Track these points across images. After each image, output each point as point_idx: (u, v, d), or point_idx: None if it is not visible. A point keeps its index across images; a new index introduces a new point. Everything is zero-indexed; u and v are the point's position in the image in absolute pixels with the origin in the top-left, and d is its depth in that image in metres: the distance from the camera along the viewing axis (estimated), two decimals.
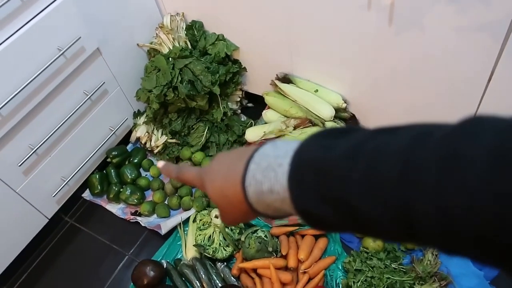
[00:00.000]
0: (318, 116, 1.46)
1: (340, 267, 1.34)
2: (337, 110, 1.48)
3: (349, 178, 0.30)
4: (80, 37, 1.31)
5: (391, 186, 0.28)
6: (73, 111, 1.41)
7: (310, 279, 1.33)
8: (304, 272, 1.33)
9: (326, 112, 1.45)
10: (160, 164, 0.48)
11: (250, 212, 0.38)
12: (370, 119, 1.47)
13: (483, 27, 1.00)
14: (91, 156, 1.55)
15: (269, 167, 0.34)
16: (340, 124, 1.49)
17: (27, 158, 1.31)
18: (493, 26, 0.99)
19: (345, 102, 1.48)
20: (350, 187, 0.30)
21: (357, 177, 0.30)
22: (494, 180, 0.24)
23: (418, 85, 1.24)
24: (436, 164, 0.26)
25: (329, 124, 1.45)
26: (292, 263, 1.33)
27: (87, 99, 1.45)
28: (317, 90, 1.50)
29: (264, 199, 0.35)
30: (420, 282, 1.23)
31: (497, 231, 0.24)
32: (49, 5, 1.23)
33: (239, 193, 0.36)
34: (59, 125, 1.38)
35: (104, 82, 1.49)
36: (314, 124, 1.45)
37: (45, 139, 1.35)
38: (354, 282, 1.26)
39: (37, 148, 1.33)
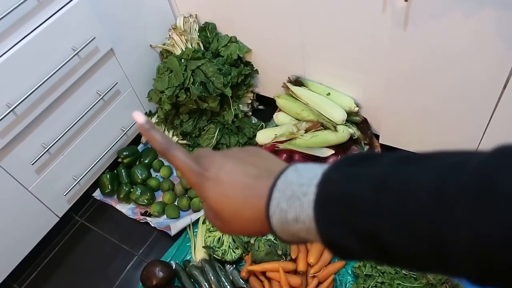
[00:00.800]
0: (330, 120, 1.45)
1: (350, 272, 1.33)
2: (349, 113, 1.47)
3: (377, 210, 0.30)
4: (94, 38, 1.32)
5: (423, 218, 0.28)
6: (86, 111, 1.42)
7: (319, 283, 1.31)
8: (314, 276, 1.32)
9: (338, 115, 1.44)
10: (140, 118, 0.38)
11: (264, 233, 0.38)
12: (382, 123, 1.46)
13: (500, 32, 0.99)
14: (102, 156, 1.56)
15: (293, 196, 0.34)
16: (352, 129, 1.48)
17: (40, 156, 1.32)
18: (509, 32, 0.97)
19: (357, 106, 1.47)
20: (379, 220, 0.30)
21: (386, 209, 0.29)
22: None
23: (432, 90, 1.22)
24: (470, 196, 0.26)
25: (341, 128, 1.44)
26: (301, 266, 1.32)
27: (100, 99, 1.46)
28: (329, 94, 1.49)
29: (289, 228, 0.35)
30: None
31: None
32: (64, 5, 1.24)
33: (262, 220, 0.36)
34: (71, 125, 1.39)
35: (116, 83, 1.50)
36: (325, 128, 1.44)
37: (57, 138, 1.36)
38: None
39: (50, 147, 1.34)
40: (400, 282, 1.23)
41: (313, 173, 0.34)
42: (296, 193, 0.34)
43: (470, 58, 1.08)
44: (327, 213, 0.33)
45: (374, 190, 0.30)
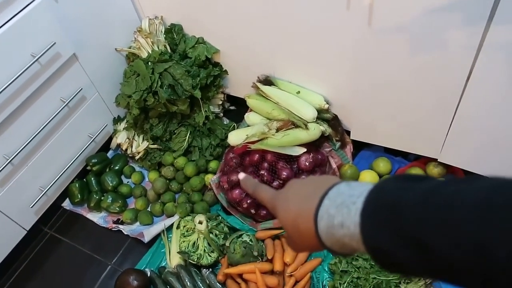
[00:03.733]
0: (300, 118, 1.45)
1: (326, 269, 1.33)
2: (320, 111, 1.47)
3: (424, 216, 0.31)
4: (55, 43, 1.27)
5: (468, 226, 0.29)
6: (50, 119, 1.37)
7: (296, 282, 1.31)
8: (291, 275, 1.32)
9: (308, 113, 1.44)
10: (241, 176, 0.51)
11: (318, 245, 0.39)
12: (353, 120, 1.47)
13: (461, 27, 1.00)
14: (70, 165, 1.51)
15: (343, 204, 0.36)
16: (323, 126, 1.48)
17: (3, 168, 1.27)
18: (471, 22, 0.99)
19: (327, 103, 1.47)
20: (426, 226, 0.31)
21: (433, 216, 0.31)
22: None
23: (400, 85, 1.24)
24: None
25: (312, 126, 1.44)
26: (278, 266, 1.31)
27: (64, 106, 1.41)
28: (299, 92, 1.49)
29: (334, 233, 0.37)
30: (406, 281, 1.23)
31: None
32: (21, 10, 1.19)
33: (311, 226, 0.38)
34: (35, 134, 1.34)
35: (81, 89, 1.46)
36: (296, 126, 1.44)
37: (21, 149, 1.31)
38: (340, 284, 1.25)
39: (13, 158, 1.29)
40: (376, 276, 1.24)
41: (365, 187, 0.37)
42: (346, 202, 0.36)
43: (435, 52, 1.09)
44: (373, 219, 0.34)
45: (424, 199, 0.32)
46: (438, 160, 1.39)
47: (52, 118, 1.38)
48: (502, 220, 0.28)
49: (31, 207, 1.41)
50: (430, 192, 0.32)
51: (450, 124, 1.25)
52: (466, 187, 0.31)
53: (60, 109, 1.40)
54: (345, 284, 1.25)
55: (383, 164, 1.52)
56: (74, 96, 1.43)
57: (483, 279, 0.29)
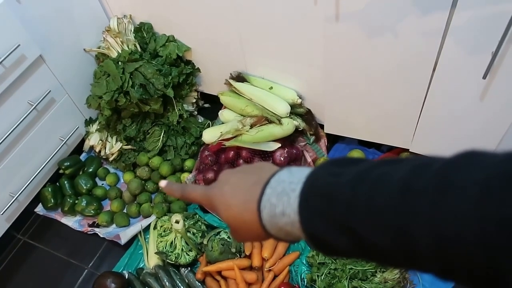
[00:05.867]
0: (274, 113, 1.45)
1: (304, 262, 1.35)
2: (293, 106, 1.48)
3: (352, 203, 0.32)
4: (19, 45, 1.24)
5: (390, 211, 0.29)
6: (18, 123, 1.34)
7: (275, 276, 1.32)
8: (269, 270, 1.33)
9: (281, 108, 1.44)
10: (163, 183, 0.47)
11: (264, 235, 0.39)
12: (326, 114, 1.48)
13: (425, 18, 1.02)
14: (42, 169, 1.48)
15: (283, 192, 0.36)
16: (297, 120, 1.49)
17: None
18: (433, 7, 1.01)
19: (300, 98, 1.48)
20: (353, 212, 0.31)
21: (360, 202, 0.31)
22: (481, 207, 0.26)
23: (369, 77, 1.25)
24: (431, 192, 0.28)
25: (286, 121, 1.45)
26: (256, 262, 1.32)
27: (32, 109, 1.38)
28: (271, 87, 1.50)
29: (277, 222, 0.37)
30: (382, 270, 1.25)
31: (484, 256, 0.25)
32: None
33: (255, 216, 0.38)
34: (2, 139, 1.30)
35: (50, 91, 1.43)
36: (270, 122, 1.45)
37: None
38: (318, 276, 1.26)
39: None
40: (352, 267, 1.26)
41: (304, 173, 0.37)
42: (286, 189, 0.36)
43: (401, 44, 1.11)
44: (309, 206, 0.34)
45: (351, 185, 0.32)
46: (410, 150, 1.42)
47: (20, 122, 1.34)
48: (420, 206, 0.28)
49: (2, 214, 1.37)
50: (357, 177, 0.32)
51: (419, 114, 1.28)
52: (390, 170, 0.31)
53: (28, 112, 1.37)
54: (323, 275, 1.26)
55: (357, 156, 1.54)
56: (43, 99, 1.40)
57: (412, 261, 0.30)
